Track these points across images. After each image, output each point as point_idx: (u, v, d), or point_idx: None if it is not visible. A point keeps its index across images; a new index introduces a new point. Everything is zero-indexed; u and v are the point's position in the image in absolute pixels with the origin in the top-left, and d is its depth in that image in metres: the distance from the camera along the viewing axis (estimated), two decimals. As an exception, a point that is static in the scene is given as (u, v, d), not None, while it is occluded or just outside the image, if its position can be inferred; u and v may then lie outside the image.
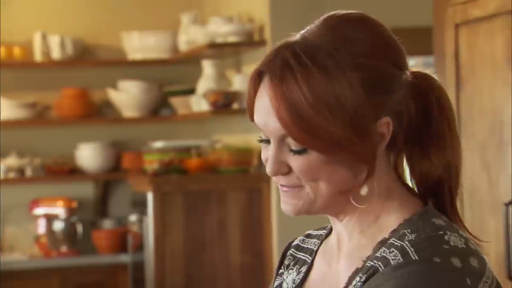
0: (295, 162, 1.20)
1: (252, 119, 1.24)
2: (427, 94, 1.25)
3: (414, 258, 1.15)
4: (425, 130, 1.25)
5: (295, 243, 1.41)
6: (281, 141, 1.20)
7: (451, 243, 1.17)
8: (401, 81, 1.22)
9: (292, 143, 1.19)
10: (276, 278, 1.40)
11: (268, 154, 1.22)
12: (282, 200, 1.25)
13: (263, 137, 1.23)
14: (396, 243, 1.18)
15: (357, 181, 1.21)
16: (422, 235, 1.17)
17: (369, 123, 1.19)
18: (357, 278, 1.20)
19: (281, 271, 1.39)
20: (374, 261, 1.19)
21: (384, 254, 1.18)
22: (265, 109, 1.20)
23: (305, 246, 1.38)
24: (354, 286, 1.20)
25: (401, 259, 1.15)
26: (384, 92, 1.20)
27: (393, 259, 1.16)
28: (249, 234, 4.43)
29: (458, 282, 1.14)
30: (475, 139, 2.98)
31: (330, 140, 1.17)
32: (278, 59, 1.19)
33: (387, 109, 1.20)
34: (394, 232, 1.21)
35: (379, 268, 1.17)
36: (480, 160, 2.96)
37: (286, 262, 1.39)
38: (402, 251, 1.16)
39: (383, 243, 1.20)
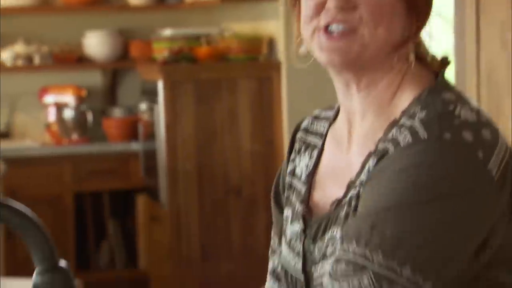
0: None
1: None
2: None
3: (423, 137, 1.14)
4: None
5: (303, 126, 1.39)
6: None
7: (462, 117, 1.16)
8: None
9: None
10: (288, 163, 1.37)
11: None
12: (327, 48, 1.22)
13: None
14: (406, 123, 1.17)
15: (406, 38, 1.22)
16: (432, 112, 1.16)
17: None
18: (370, 162, 1.19)
19: (292, 156, 1.37)
20: (385, 142, 1.17)
21: (395, 136, 1.17)
22: None
23: (314, 129, 1.36)
24: (367, 170, 1.19)
25: (410, 139, 1.14)
26: None
27: (403, 140, 1.15)
28: (259, 122, 4.41)
29: (470, 156, 1.13)
30: (495, 16, 2.92)
31: None
32: None
33: None
34: (404, 112, 1.20)
35: (390, 149, 1.16)
36: (499, 39, 2.91)
37: (297, 147, 1.37)
38: (412, 130, 1.15)
39: (394, 124, 1.20)
